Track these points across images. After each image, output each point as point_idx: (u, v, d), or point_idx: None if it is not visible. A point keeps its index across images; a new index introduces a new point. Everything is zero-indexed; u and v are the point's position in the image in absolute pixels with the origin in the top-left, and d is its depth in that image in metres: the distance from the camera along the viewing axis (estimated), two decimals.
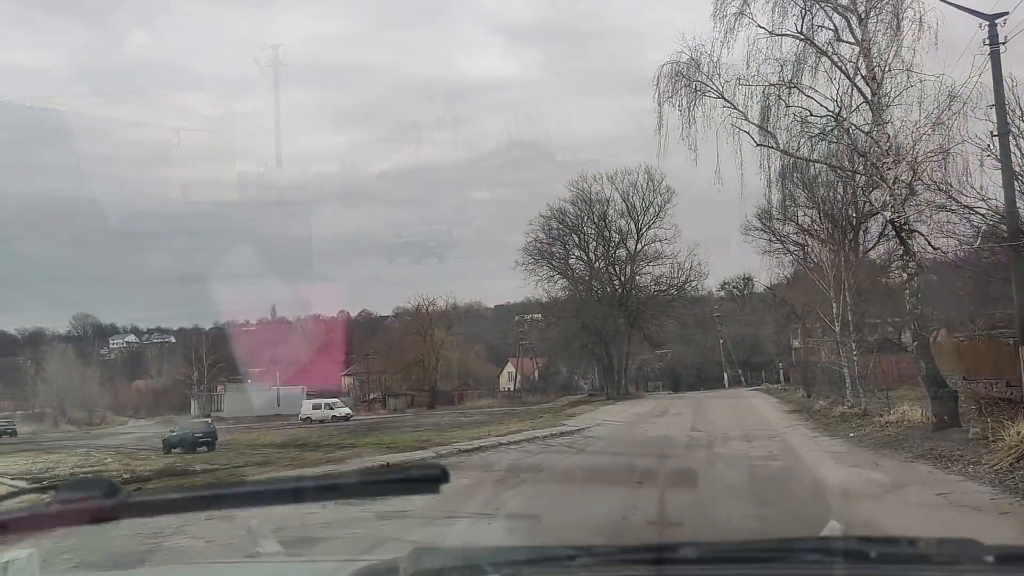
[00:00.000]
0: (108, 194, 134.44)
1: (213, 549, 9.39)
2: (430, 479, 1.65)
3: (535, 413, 39.66)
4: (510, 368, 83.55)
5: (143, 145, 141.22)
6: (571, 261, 69.14)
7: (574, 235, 68.35)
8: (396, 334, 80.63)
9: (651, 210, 66.93)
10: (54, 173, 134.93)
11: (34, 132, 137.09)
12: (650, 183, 66.52)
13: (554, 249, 68.00)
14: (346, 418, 60.96)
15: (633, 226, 67.67)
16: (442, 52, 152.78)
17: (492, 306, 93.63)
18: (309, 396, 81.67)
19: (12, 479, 22.46)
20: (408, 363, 75.21)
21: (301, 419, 61.82)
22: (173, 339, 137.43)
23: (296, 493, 1.72)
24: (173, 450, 36.34)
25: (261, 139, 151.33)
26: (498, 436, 25.58)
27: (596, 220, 67.61)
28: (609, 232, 68.32)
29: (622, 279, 68.80)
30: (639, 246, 67.90)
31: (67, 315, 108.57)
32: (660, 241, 67.01)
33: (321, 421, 59.42)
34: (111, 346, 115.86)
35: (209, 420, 47.09)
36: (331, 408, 63.88)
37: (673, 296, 69.10)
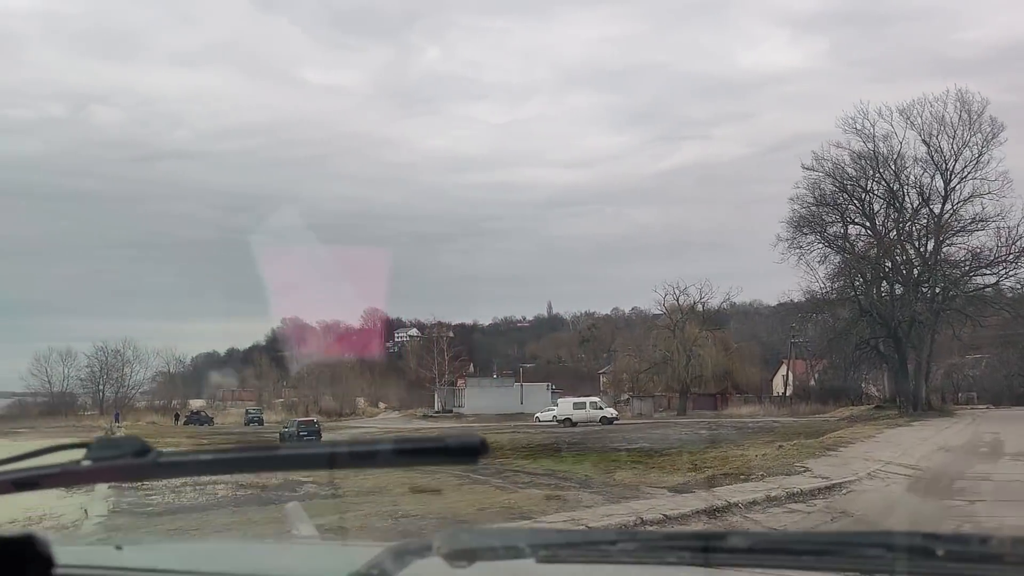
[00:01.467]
0: (404, 200, 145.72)
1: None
2: (468, 450, 1.46)
3: (792, 433, 29.44)
4: (784, 371, 72.05)
5: (436, 153, 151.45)
6: (850, 229, 51.36)
7: (853, 198, 49.80)
8: (641, 329, 72.07)
9: (966, 154, 46.63)
10: (358, 182, 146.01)
11: (342, 144, 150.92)
12: (964, 114, 46.31)
13: (825, 216, 50.00)
14: (610, 421, 52.34)
15: (940, 180, 47.91)
16: (722, 48, 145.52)
17: (774, 304, 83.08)
18: (555, 393, 76.10)
19: None
20: (657, 361, 66.33)
21: (558, 419, 53.74)
22: (452, 334, 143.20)
23: (330, 459, 1.64)
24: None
25: (543, 143, 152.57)
26: (670, 497, 12.64)
27: (884, 173, 48.40)
28: (903, 189, 48.96)
29: (923, 254, 49.46)
30: (948, 207, 48.03)
31: (359, 309, 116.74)
32: (979, 197, 46.20)
33: (585, 423, 51.19)
34: (396, 339, 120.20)
35: (314, 419, 47.15)
36: (599, 408, 55.13)
37: (1000, 277, 47.58)
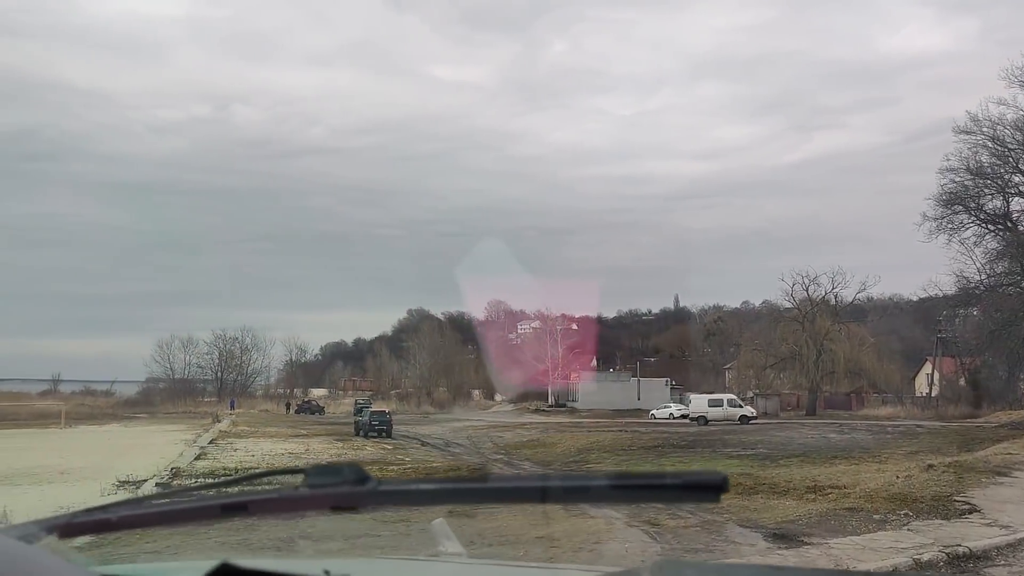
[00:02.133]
0: (529, 193, 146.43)
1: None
2: (710, 486, 1.39)
3: (940, 441, 24.98)
4: (929, 369, 65.44)
5: (562, 146, 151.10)
6: (1012, 204, 42.62)
7: (1020, 167, 41.08)
8: (767, 322, 66.92)
9: None
10: (485, 176, 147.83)
11: (469, 139, 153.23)
12: None
13: (982, 189, 41.95)
14: (749, 420, 48.08)
15: None
16: (860, 32, 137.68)
17: (915, 299, 76.26)
18: (674, 389, 72.12)
19: None
20: (784, 356, 61.17)
21: (691, 417, 49.76)
22: (575, 327, 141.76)
23: (543, 493, 1.65)
24: (358, 435, 40.26)
25: (671, 135, 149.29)
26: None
27: None
28: None
29: None
30: None
31: (483, 301, 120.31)
32: None
33: (721, 421, 47.07)
34: (519, 331, 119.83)
35: (386, 410, 47.18)
36: (738, 406, 50.80)
37: None
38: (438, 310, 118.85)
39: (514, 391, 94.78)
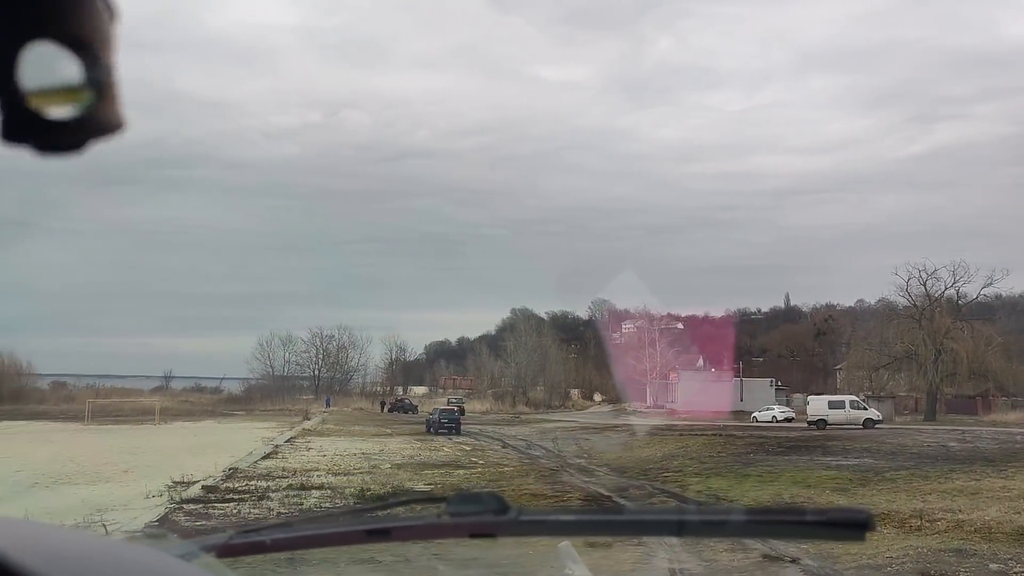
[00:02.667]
0: (635, 191, 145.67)
1: None
2: (854, 524, 1.35)
3: None
4: None
5: (668, 143, 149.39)
6: None
7: None
8: (880, 320, 62.63)
9: None
10: (590, 175, 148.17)
11: (574, 138, 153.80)
12: None
13: None
14: (875, 423, 44.65)
15: None
16: (984, 17, 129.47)
17: None
18: (779, 390, 68.67)
19: None
20: (899, 356, 57.00)
21: (809, 421, 46.62)
22: (681, 326, 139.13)
23: (679, 526, 1.67)
24: (429, 431, 41.07)
25: (781, 130, 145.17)
26: None
27: None
28: None
29: None
30: None
31: (587, 300, 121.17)
32: None
33: (843, 425, 43.86)
34: (623, 330, 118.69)
35: (455, 408, 47.67)
36: (861, 408, 47.11)
37: None
38: (542, 309, 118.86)
39: (613, 391, 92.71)
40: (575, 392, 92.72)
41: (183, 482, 18.81)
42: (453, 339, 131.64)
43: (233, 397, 78.69)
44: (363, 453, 28.43)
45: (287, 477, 20.19)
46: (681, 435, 35.51)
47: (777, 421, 51.97)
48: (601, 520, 1.80)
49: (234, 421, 50.84)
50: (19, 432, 39.70)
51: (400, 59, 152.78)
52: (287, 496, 16.79)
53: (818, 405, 48.10)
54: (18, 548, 0.89)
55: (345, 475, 20.86)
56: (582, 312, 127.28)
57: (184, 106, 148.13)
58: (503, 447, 32.42)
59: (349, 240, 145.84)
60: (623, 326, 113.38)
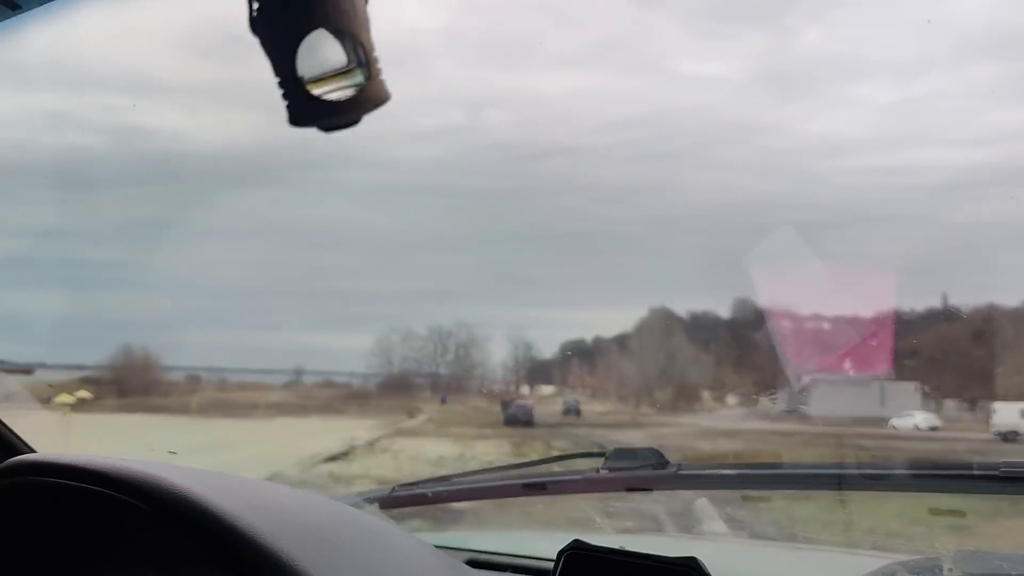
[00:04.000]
0: (782, 187, 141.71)
1: None
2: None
3: None
4: None
5: (817, 137, 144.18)
6: None
7: None
8: None
9: None
10: (734, 171, 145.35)
11: (718, 133, 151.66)
12: None
13: None
14: None
15: None
16: None
17: None
18: (926, 395, 62.49)
19: None
20: None
21: (997, 432, 41.20)
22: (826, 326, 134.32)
23: (839, 480, 1.71)
24: (506, 424, 39.61)
25: (938, 121, 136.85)
26: None
27: None
28: None
29: None
30: None
31: (729, 298, 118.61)
32: None
33: None
34: (764, 329, 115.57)
35: (527, 403, 47.79)
36: None
37: None
38: (682, 308, 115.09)
39: (751, 393, 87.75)
40: (706, 394, 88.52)
41: None
42: (589, 338, 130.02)
43: (353, 392, 78.96)
44: (439, 458, 26.51)
45: (331, 486, 18.40)
46: (796, 442, 31.87)
47: (919, 430, 46.79)
48: (760, 474, 1.82)
49: (338, 418, 50.27)
50: (127, 425, 40.07)
51: (541, 57, 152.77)
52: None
53: (1007, 413, 41.95)
54: (225, 497, 0.94)
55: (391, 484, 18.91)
56: (724, 311, 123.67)
57: None
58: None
59: (489, 239, 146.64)
60: (766, 325, 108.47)
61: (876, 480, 1.73)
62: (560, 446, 32.83)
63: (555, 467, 1.66)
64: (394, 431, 38.56)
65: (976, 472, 1.28)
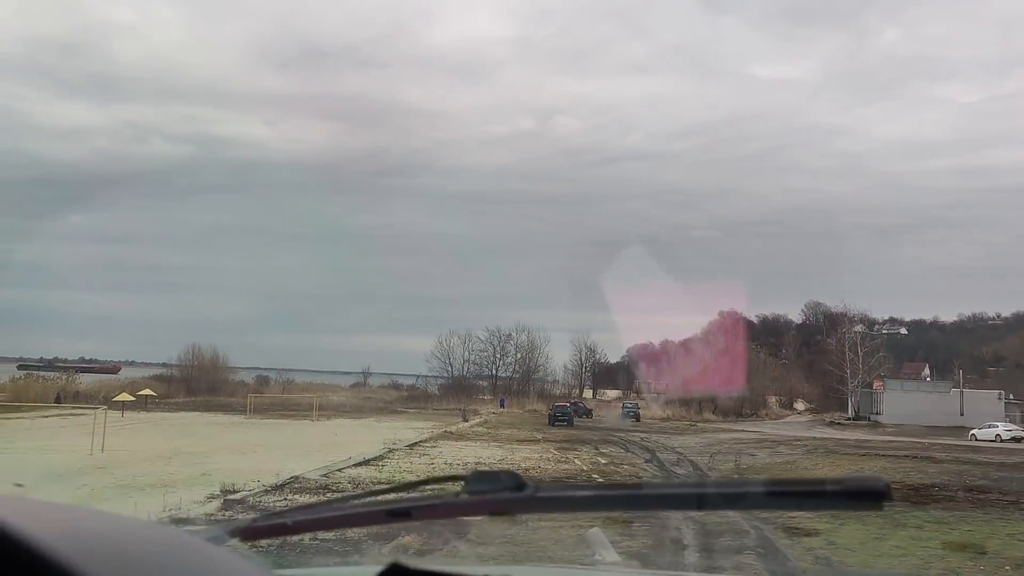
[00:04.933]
0: (857, 191, 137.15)
1: None
2: (872, 493, 1.37)
3: None
4: None
5: (895, 140, 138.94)
6: None
7: None
8: None
9: None
10: (808, 174, 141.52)
11: (791, 137, 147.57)
12: None
13: None
14: None
15: None
16: None
17: None
18: (1009, 403, 58.99)
19: None
20: None
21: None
22: (904, 331, 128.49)
23: (699, 500, 1.70)
24: (551, 424, 47.02)
25: None
26: None
27: None
28: None
29: None
30: None
31: (800, 303, 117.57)
32: None
33: None
34: (838, 333, 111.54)
35: (567, 404, 54.21)
36: None
37: None
38: (752, 313, 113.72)
39: (819, 400, 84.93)
40: (773, 400, 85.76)
41: (231, 490, 16.73)
42: (657, 342, 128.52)
43: (413, 394, 78.92)
44: (478, 462, 25.66)
45: (353, 491, 17.66)
46: (865, 455, 30.07)
47: (1002, 440, 44.12)
48: (619, 495, 1.81)
49: (393, 419, 49.82)
50: (172, 423, 40.47)
51: (611, 64, 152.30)
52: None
53: None
54: (36, 525, 0.92)
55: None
56: (794, 316, 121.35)
57: (406, 118, 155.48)
58: (646, 461, 28.61)
59: (558, 244, 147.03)
60: (839, 330, 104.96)
61: (734, 500, 1.79)
62: (609, 452, 31.64)
63: (419, 493, 1.65)
64: (440, 434, 37.87)
65: (827, 488, 1.31)
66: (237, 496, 15.66)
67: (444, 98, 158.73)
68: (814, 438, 43.61)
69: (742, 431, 50.57)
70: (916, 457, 29.43)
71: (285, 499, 15.71)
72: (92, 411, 43.12)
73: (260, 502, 15.27)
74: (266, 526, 1.76)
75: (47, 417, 38.06)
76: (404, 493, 1.74)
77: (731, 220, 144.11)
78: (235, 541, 1.59)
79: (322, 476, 19.74)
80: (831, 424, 61.09)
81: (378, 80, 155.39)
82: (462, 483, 1.54)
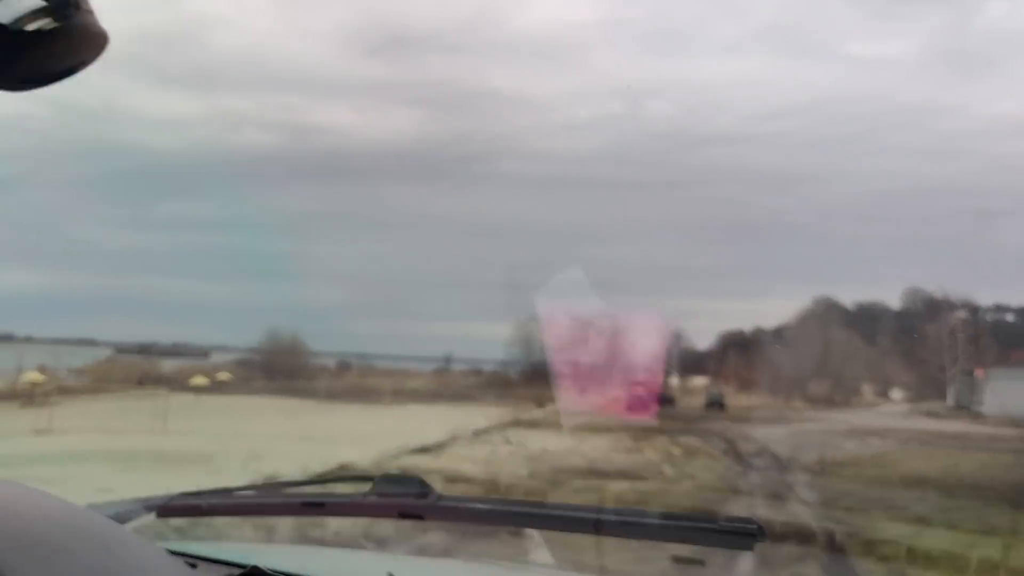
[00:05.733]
0: (960, 172, 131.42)
1: None
2: (742, 533, 1.45)
3: None
4: None
5: (1004, 118, 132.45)
6: None
7: None
8: None
9: None
10: (907, 155, 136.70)
11: (890, 117, 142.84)
12: None
13: None
14: None
15: None
16: None
17: None
18: None
19: None
20: None
21: None
22: (1011, 318, 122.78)
23: (596, 524, 1.72)
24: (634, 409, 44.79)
25: None
26: None
27: None
28: None
29: None
30: None
31: (898, 290, 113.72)
32: None
33: None
34: (938, 321, 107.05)
35: (645, 387, 56.26)
36: None
37: None
38: (848, 298, 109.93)
39: (913, 388, 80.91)
40: (866, 388, 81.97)
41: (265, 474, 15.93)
42: (747, 329, 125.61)
43: (493, 380, 78.07)
44: (543, 451, 24.43)
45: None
46: (964, 449, 27.69)
47: None
48: (519, 512, 1.84)
49: (468, 406, 49.00)
50: (240, 407, 40.58)
51: (703, 45, 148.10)
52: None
53: None
54: None
55: (469, 483, 16.89)
56: (894, 301, 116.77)
57: (491, 103, 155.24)
58: (724, 452, 26.98)
59: (647, 229, 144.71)
60: (938, 317, 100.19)
61: (630, 527, 1.76)
62: (686, 442, 30.08)
63: (334, 487, 1.65)
64: (510, 422, 36.82)
65: (723, 526, 1.32)
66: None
67: (529, 82, 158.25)
68: (910, 429, 40.99)
69: (832, 420, 48.05)
70: (1008, 450, 27.02)
71: None
72: (166, 394, 43.83)
73: None
74: (181, 505, 1.85)
75: (122, 399, 38.56)
76: (318, 487, 1.93)
77: (828, 204, 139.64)
78: (150, 517, 1.65)
79: (370, 464, 18.84)
80: (929, 414, 57.60)
81: (463, 65, 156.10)
82: (371, 483, 1.62)
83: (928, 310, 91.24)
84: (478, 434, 29.33)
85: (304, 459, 19.23)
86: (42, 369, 49.09)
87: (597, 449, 25.97)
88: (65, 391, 43.17)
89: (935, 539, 10.35)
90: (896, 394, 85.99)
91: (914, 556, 9.50)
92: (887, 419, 55.11)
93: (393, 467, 18.57)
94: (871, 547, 9.83)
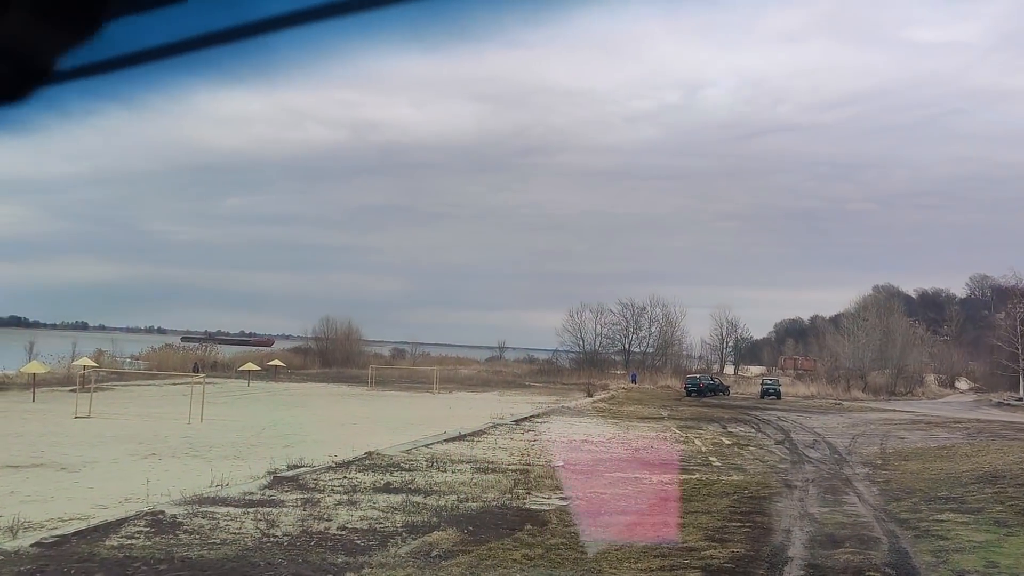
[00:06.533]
0: None
1: None
2: None
3: None
4: None
5: None
6: None
7: None
8: None
9: None
10: (974, 141, 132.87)
11: (955, 104, 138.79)
12: None
13: None
14: None
15: None
16: None
17: None
18: None
19: None
20: None
21: None
22: None
23: None
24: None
25: None
26: None
27: None
28: None
29: None
30: None
31: (965, 276, 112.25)
32: None
33: None
34: (1008, 308, 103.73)
35: (699, 376, 60.94)
36: None
37: None
38: (909, 287, 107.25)
39: (982, 378, 77.86)
40: (931, 378, 79.13)
41: (294, 465, 15.45)
42: (806, 317, 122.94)
43: (544, 369, 77.38)
44: (585, 441, 23.60)
45: (424, 471, 15.97)
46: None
47: None
48: None
49: (516, 393, 48.37)
50: (292, 393, 40.54)
51: (761, 34, 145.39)
52: (368, 496, 12.61)
53: None
54: None
55: (497, 472, 16.10)
56: (958, 290, 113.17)
57: (549, 97, 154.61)
58: (777, 443, 25.77)
59: (705, 219, 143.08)
60: (1008, 304, 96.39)
61: None
62: (737, 432, 28.86)
63: None
64: (557, 409, 35.93)
65: None
66: (291, 473, 14.31)
67: (588, 75, 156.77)
68: (978, 420, 39.06)
69: (894, 411, 46.21)
70: None
71: (344, 477, 14.24)
72: (222, 381, 44.09)
73: (317, 480, 13.85)
74: None
75: (176, 385, 38.75)
76: None
77: (889, 191, 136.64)
78: None
79: (402, 452, 18.24)
80: (998, 405, 55.20)
81: (522, 59, 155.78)
82: None
83: (997, 298, 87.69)
84: (520, 422, 28.65)
85: (338, 446, 18.77)
86: (97, 355, 49.79)
87: (644, 437, 25.11)
88: (120, 376, 43.65)
89: (1018, 548, 9.28)
90: (962, 384, 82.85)
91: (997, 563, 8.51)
92: (953, 409, 52.88)
93: (424, 455, 17.87)
94: (943, 558, 8.84)
